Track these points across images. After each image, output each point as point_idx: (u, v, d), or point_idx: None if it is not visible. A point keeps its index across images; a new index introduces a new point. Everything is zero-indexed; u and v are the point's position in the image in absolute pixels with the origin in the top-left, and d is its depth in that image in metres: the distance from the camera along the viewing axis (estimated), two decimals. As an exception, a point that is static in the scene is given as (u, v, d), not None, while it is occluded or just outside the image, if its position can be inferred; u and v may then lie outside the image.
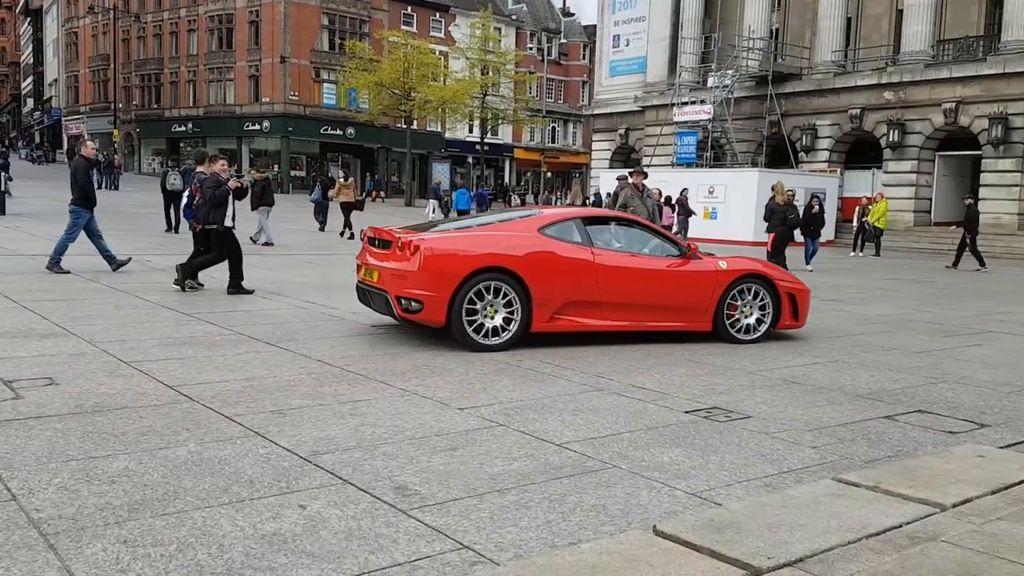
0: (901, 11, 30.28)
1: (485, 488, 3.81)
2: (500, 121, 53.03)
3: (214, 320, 8.19)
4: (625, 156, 40.99)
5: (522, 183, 63.00)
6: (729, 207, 27.84)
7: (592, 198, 32.12)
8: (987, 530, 3.16)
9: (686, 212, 25.05)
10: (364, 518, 3.42)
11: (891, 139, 29.65)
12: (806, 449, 4.71)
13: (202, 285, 10.47)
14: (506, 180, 59.93)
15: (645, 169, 14.35)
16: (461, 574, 2.95)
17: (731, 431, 5.00)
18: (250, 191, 15.73)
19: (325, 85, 52.23)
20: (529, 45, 61.85)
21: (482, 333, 7.24)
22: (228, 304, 9.34)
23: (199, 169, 11.10)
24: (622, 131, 40.47)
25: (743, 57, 32.48)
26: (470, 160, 56.97)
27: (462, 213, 29.14)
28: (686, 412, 5.39)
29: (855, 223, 25.48)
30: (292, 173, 51.26)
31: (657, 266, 8.09)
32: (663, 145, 34.92)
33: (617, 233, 8.33)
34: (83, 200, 11.45)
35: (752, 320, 8.34)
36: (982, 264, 20.21)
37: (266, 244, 17.44)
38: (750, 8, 33.65)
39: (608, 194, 20.55)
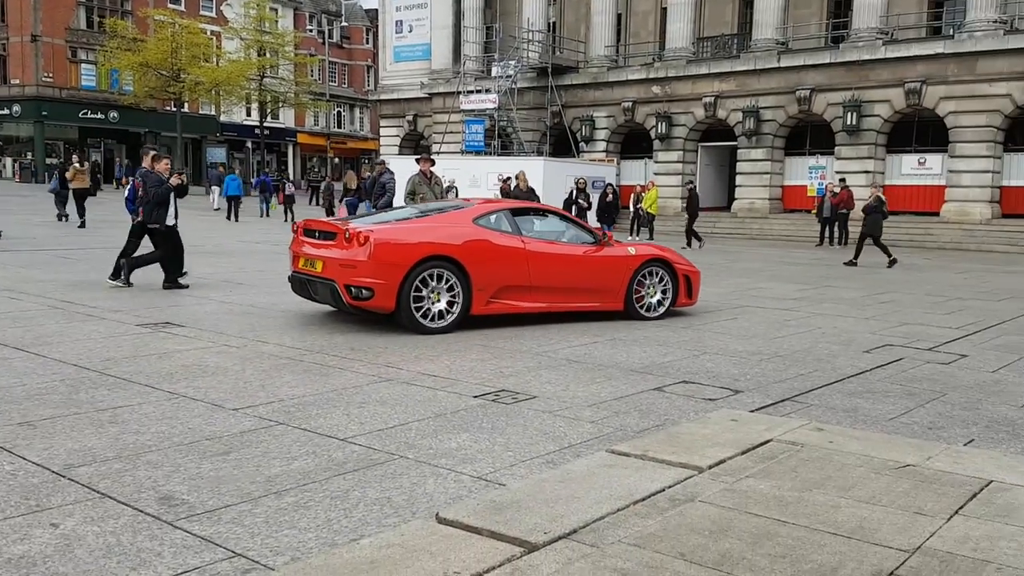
0: (665, 9, 32.41)
1: (261, 491, 3.65)
2: (281, 104, 51.15)
3: (-51, 326, 7.26)
4: (415, 142, 40.93)
5: (309, 169, 61.10)
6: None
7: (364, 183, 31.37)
8: (737, 488, 3.44)
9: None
10: (124, 533, 3.17)
11: (659, 131, 31.73)
12: (585, 424, 4.92)
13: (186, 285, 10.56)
14: (289, 166, 57.81)
15: (433, 156, 14.36)
16: (234, 583, 2.81)
17: (517, 412, 5.12)
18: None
19: (84, 66, 47.88)
20: (309, 27, 59.99)
21: (428, 317, 7.80)
22: (-33, 307, 8.32)
23: (144, 165, 11.04)
24: (410, 117, 40.37)
25: (524, 49, 33.41)
26: (249, 145, 54.47)
27: (232, 199, 28.04)
28: (475, 397, 5.46)
29: (631, 209, 27.07)
30: (48, 161, 46.59)
31: (578, 252, 8.91)
32: (452, 132, 35.23)
33: (540, 223, 9.14)
34: None
35: (656, 299, 9.29)
36: (689, 244, 21.97)
37: None
38: (528, 0, 34.64)
39: (365, 177, 20.12)
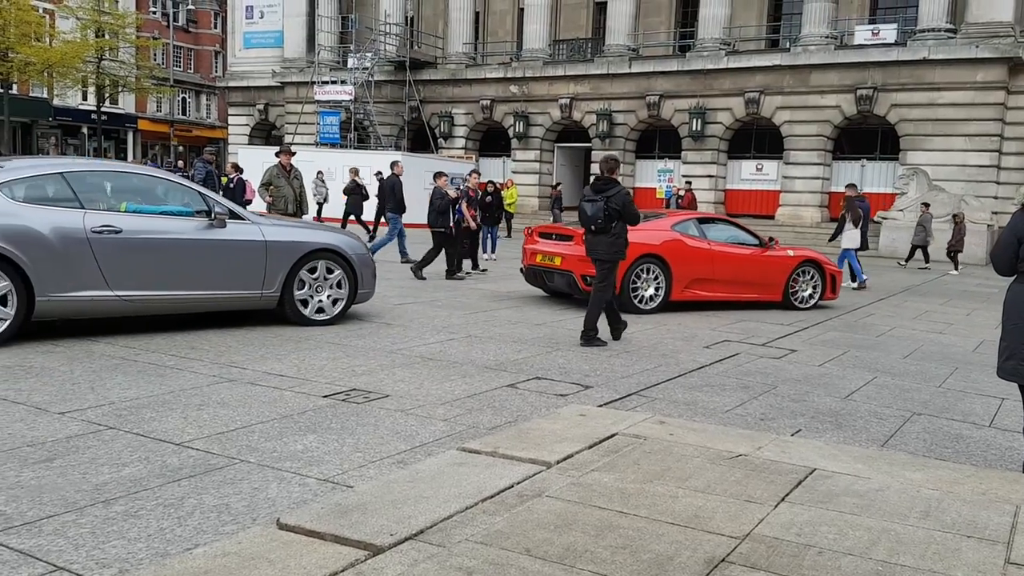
0: (522, 10, 32.85)
1: (87, 500, 3.40)
2: (121, 89, 48.11)
3: None
4: (266, 132, 39.59)
5: (152, 157, 57.77)
6: (375, 189, 28.17)
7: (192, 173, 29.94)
8: (583, 481, 3.52)
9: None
10: (-76, 554, 2.87)
11: (517, 130, 32.14)
12: (438, 423, 4.89)
13: (468, 274, 13.88)
14: (129, 154, 54.46)
15: (293, 148, 13.90)
16: (52, 602, 2.60)
17: (368, 412, 5.03)
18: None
19: None
20: (152, 8, 56.74)
21: (641, 301, 10.00)
22: None
23: (437, 183, 13.64)
24: (261, 106, 39.01)
25: (381, 41, 32.99)
26: (84, 131, 50.95)
27: None
28: (324, 396, 5.32)
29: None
30: None
31: (748, 253, 11.05)
32: (305, 123, 34.31)
33: (718, 228, 11.20)
34: (398, 208, 14.58)
35: (807, 293, 11.40)
36: None
37: None
38: (385, -8, 34.27)
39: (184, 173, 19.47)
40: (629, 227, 10.40)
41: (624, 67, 29.85)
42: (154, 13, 56.68)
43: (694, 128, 28.66)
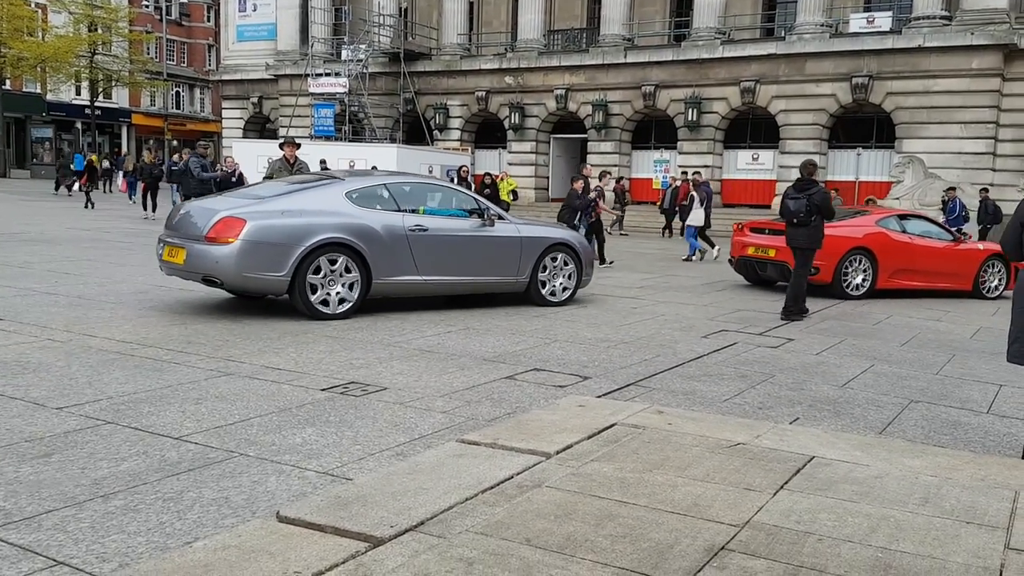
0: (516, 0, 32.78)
1: (86, 495, 3.40)
2: (114, 83, 47.94)
3: None
4: (260, 125, 39.49)
5: (146, 151, 57.53)
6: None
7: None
8: (583, 472, 3.53)
9: None
10: (-76, 550, 2.87)
11: (513, 121, 32.08)
12: (437, 415, 4.89)
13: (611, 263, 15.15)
14: (123, 148, 54.24)
15: (298, 140, 13.69)
16: (52, 597, 2.60)
17: (367, 404, 5.02)
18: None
19: None
20: (145, 3, 56.48)
21: (850, 288, 11.48)
22: None
23: (574, 187, 15.14)
24: (255, 99, 38.89)
25: (375, 33, 32.89)
26: (79, 126, 50.77)
27: (80, 174, 26.77)
28: (322, 390, 5.31)
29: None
30: None
31: (943, 246, 12.39)
32: (300, 116, 34.21)
33: (916, 224, 12.57)
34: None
35: (995, 284, 12.76)
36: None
37: None
38: (379, -17, 34.17)
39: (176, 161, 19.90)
40: (838, 224, 11.45)
41: (619, 57, 29.79)
42: (147, 7, 56.44)
43: (690, 118, 28.62)
